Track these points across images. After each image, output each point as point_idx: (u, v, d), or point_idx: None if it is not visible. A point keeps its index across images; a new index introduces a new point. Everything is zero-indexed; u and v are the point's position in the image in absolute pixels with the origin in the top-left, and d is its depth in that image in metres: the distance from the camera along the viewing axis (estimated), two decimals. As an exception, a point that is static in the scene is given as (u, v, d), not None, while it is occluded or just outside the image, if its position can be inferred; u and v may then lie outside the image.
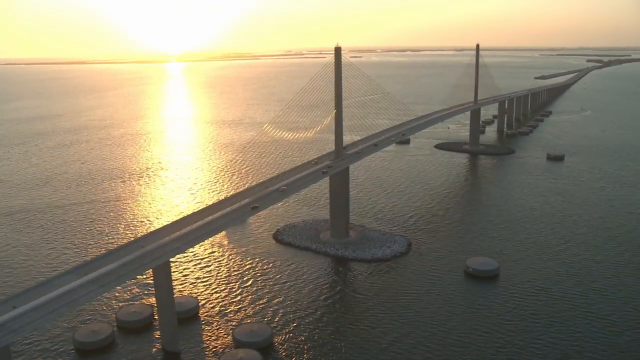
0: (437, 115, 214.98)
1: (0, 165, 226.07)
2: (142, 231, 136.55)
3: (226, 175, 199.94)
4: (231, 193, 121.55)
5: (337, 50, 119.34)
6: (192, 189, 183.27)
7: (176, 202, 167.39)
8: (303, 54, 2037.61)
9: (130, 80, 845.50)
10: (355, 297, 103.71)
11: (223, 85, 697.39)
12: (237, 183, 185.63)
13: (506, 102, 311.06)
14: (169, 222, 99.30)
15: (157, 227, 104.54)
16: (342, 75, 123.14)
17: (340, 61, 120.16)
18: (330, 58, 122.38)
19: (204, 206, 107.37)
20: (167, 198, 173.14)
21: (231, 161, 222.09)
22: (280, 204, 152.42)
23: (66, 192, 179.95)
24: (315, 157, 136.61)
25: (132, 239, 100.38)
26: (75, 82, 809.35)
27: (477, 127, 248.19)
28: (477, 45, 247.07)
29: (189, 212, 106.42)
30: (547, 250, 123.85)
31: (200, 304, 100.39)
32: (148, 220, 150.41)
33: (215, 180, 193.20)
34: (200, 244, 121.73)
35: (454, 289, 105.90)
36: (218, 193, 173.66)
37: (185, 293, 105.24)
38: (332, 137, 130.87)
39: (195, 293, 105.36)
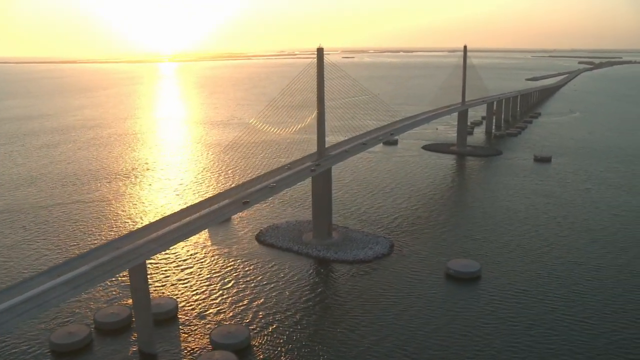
0: (423, 117, 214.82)
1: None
2: (124, 232, 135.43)
3: (212, 176, 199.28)
4: (214, 193, 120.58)
5: (319, 51, 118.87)
6: (177, 189, 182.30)
7: (161, 203, 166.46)
8: (295, 55, 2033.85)
9: (121, 80, 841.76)
10: (335, 299, 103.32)
11: (214, 85, 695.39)
12: (222, 184, 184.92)
13: (495, 103, 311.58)
14: (148, 223, 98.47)
15: (136, 228, 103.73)
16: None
17: (323, 62, 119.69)
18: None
19: (185, 206, 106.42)
20: (152, 198, 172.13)
21: (217, 162, 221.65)
22: (264, 204, 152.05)
23: (51, 193, 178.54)
24: (297, 158, 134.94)
25: (113, 239, 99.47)
26: (66, 82, 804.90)
27: (464, 128, 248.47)
28: (465, 47, 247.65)
29: (169, 213, 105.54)
30: (530, 252, 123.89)
31: (179, 305, 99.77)
32: (132, 221, 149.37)
33: (201, 181, 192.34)
34: (183, 245, 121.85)
35: (434, 291, 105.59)
36: (202, 194, 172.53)
37: (165, 294, 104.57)
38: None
39: (175, 294, 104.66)
